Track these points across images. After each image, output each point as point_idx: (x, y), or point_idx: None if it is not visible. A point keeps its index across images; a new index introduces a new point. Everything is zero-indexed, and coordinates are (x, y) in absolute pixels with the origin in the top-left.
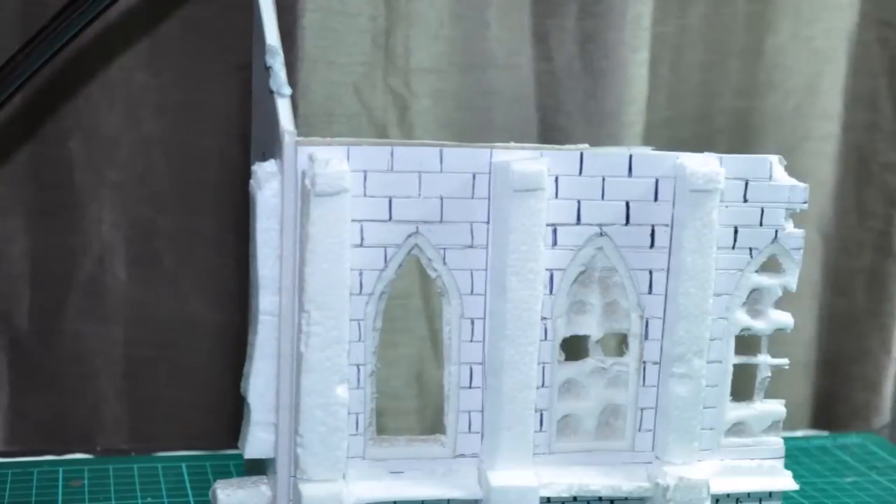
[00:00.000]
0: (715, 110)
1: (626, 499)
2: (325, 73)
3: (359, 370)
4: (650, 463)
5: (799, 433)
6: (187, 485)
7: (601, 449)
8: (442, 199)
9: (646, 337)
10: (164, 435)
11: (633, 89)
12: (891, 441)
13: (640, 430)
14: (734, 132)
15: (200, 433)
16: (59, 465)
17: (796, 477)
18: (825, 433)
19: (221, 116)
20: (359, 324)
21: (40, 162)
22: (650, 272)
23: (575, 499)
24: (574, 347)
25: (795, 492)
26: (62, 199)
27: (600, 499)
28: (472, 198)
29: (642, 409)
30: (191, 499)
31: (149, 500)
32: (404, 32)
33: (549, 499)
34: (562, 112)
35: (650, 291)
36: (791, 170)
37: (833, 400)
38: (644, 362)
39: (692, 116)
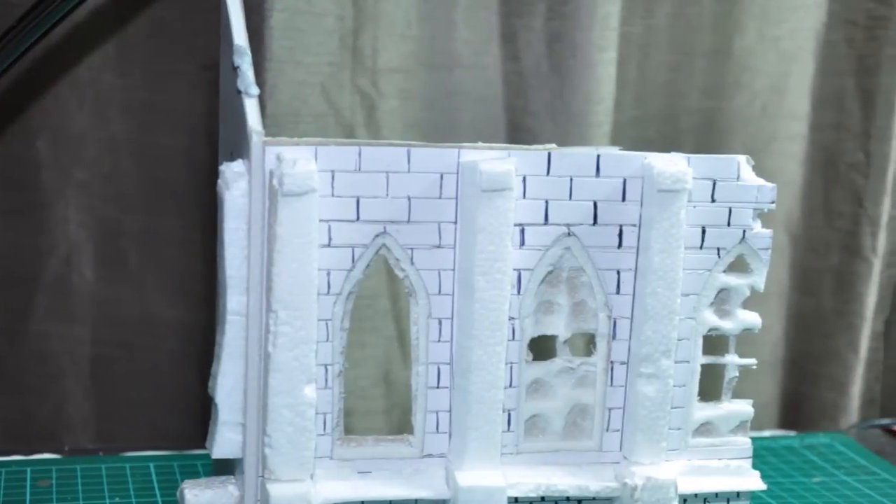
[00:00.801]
0: (682, 110)
1: (593, 499)
2: (292, 74)
3: (326, 370)
4: (618, 463)
5: (766, 433)
6: (155, 485)
7: (569, 449)
8: (410, 199)
9: (613, 337)
10: (130, 435)
11: (601, 89)
12: (858, 441)
13: (607, 430)
14: (701, 132)
15: (167, 433)
16: (27, 465)
17: (764, 477)
18: (793, 433)
19: (188, 116)
20: (327, 324)
21: (7, 161)
22: (618, 272)
23: (543, 499)
24: (542, 348)
25: (763, 492)
26: (29, 198)
27: (568, 499)
28: (440, 198)
29: (610, 409)
30: (159, 499)
31: (117, 500)
32: (372, 33)
33: (516, 499)
34: (529, 112)
35: (618, 291)
36: (759, 170)
37: (801, 400)
38: (612, 362)
39: (659, 116)
